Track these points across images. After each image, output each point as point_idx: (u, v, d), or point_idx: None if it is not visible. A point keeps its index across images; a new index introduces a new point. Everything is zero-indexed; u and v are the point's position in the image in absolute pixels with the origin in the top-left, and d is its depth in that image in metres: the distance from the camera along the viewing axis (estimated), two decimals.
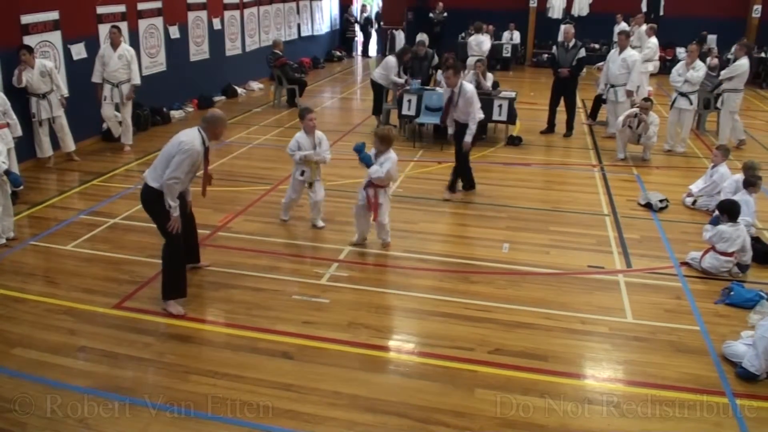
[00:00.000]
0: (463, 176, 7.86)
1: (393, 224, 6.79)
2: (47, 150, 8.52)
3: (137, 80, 9.25)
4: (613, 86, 10.27)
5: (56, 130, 8.57)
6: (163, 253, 5.03)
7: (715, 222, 5.92)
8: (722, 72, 9.95)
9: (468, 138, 7.42)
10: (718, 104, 9.99)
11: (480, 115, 7.54)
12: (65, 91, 8.58)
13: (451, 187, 7.80)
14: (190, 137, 4.82)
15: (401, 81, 10.68)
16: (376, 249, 6.27)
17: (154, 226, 6.69)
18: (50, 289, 5.40)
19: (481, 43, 14.23)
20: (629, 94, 10.24)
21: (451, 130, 7.72)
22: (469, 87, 7.49)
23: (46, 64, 8.31)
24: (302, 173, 6.57)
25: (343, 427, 3.83)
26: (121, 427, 3.77)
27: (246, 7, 14.43)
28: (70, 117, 8.74)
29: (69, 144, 8.77)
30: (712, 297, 5.46)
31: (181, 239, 5.03)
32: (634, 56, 10.16)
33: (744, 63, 9.61)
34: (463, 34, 17.57)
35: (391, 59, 10.91)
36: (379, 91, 10.96)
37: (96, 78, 9.02)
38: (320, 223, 6.77)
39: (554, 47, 10.79)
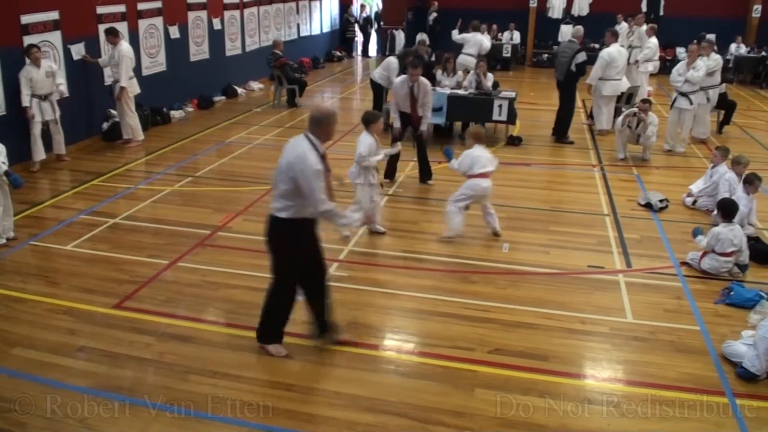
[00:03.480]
0: (428, 165, 8.12)
1: (393, 224, 6.81)
2: (39, 154, 8.34)
3: (123, 82, 9.24)
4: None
5: (52, 132, 8.54)
6: (270, 293, 4.45)
7: (696, 234, 5.95)
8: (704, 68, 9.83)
9: (425, 127, 7.80)
10: (698, 100, 9.80)
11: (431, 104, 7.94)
12: (66, 92, 8.59)
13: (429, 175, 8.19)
14: (302, 154, 4.05)
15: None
16: (376, 249, 6.27)
17: (154, 225, 6.77)
18: (50, 289, 5.40)
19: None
20: (588, 88, 10.71)
21: (397, 123, 7.76)
22: (425, 80, 7.72)
23: (52, 65, 8.34)
24: (373, 176, 6.37)
25: (343, 427, 3.83)
26: (121, 427, 3.77)
27: (246, 7, 14.42)
28: (70, 117, 8.73)
29: (61, 146, 8.70)
30: (712, 297, 5.46)
31: (298, 282, 4.44)
32: (602, 52, 10.55)
33: (719, 57, 10.06)
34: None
35: (392, 60, 10.87)
36: (378, 91, 10.93)
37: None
38: (381, 228, 6.64)
39: (583, 54, 10.30)
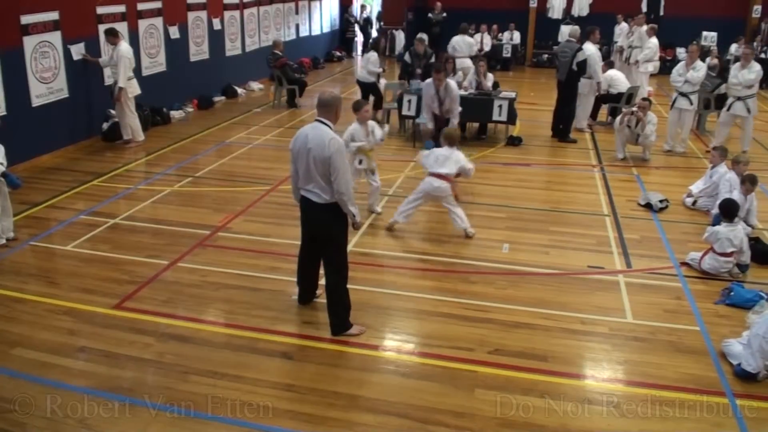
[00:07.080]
0: None
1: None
2: None
3: (121, 82, 9.18)
4: None
5: None
6: (335, 286, 4.67)
7: (716, 222, 5.93)
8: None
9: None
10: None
11: (459, 109, 8.18)
12: None
13: None
14: (330, 137, 4.29)
15: (379, 70, 11.33)
16: (376, 249, 6.28)
17: (154, 225, 6.76)
18: (50, 290, 5.40)
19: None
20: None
21: (431, 125, 7.99)
22: (454, 85, 7.91)
23: None
24: (360, 162, 6.80)
25: (343, 427, 3.83)
26: (121, 427, 3.78)
27: (246, 7, 14.42)
28: (71, 116, 8.67)
29: None
30: (712, 297, 5.46)
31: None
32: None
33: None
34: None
35: (372, 54, 11.51)
36: (365, 89, 11.27)
37: None
38: (378, 209, 7.13)
39: (583, 52, 10.26)
